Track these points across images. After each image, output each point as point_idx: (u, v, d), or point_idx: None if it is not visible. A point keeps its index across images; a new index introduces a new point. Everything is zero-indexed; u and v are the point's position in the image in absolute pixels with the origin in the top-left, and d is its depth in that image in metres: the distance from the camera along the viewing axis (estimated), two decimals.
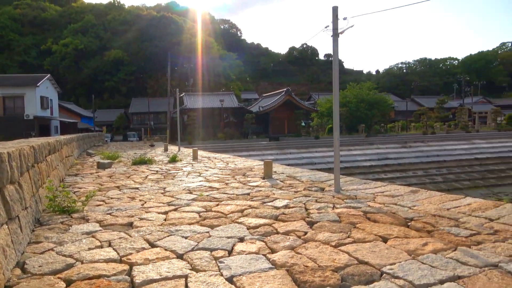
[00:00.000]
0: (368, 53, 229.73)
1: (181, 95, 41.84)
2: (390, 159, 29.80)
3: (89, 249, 3.65)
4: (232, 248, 3.61)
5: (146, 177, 9.50)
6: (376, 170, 27.41)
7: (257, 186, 7.53)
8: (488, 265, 3.03)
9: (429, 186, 23.28)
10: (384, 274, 2.93)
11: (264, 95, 53.52)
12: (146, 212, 5.27)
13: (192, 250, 3.59)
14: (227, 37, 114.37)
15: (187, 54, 62.48)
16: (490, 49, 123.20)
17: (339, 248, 3.57)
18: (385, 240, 3.80)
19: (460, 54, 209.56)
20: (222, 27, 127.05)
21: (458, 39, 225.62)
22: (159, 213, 5.23)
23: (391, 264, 3.10)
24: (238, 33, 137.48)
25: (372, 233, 4.00)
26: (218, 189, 7.25)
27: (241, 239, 3.90)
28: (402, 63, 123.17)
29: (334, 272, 2.98)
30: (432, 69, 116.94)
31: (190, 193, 6.86)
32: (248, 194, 6.60)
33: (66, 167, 10.73)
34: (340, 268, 3.05)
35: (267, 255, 3.42)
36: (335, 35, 6.35)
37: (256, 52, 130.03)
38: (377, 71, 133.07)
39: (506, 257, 3.18)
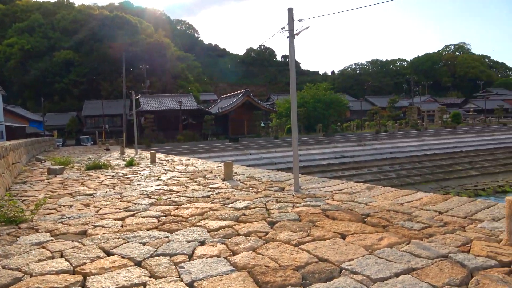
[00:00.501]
0: (324, 54, 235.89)
1: (137, 97, 40.65)
2: (347, 157, 30.74)
3: (39, 260, 3.43)
4: (193, 252, 3.55)
5: (101, 182, 9.13)
6: (334, 168, 28.16)
7: (217, 188, 7.47)
8: (439, 256, 3.19)
9: (383, 182, 24.27)
10: (343, 270, 2.99)
11: (223, 96, 53.29)
12: (101, 219, 5.05)
13: (151, 256, 3.48)
14: (184, 38, 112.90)
15: (143, 55, 60.81)
16: (436, 51, 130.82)
17: (300, 246, 3.61)
18: (343, 236, 3.89)
19: (409, 56, 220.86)
20: (178, 27, 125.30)
21: (407, 41, 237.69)
22: (115, 219, 5.03)
23: (349, 260, 3.18)
24: (195, 34, 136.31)
25: (331, 231, 4.09)
26: (177, 192, 7.11)
27: (202, 243, 3.84)
28: (355, 64, 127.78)
29: (295, 271, 3.00)
30: (384, 69, 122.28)
31: (148, 197, 6.68)
32: (209, 196, 6.53)
33: (13, 174, 10.07)
34: (301, 267, 3.09)
35: (228, 257, 3.39)
36: (291, 36, 6.44)
37: (214, 53, 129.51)
38: (333, 72, 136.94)
39: (455, 248, 3.37)
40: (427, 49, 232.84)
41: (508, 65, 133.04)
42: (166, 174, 10.44)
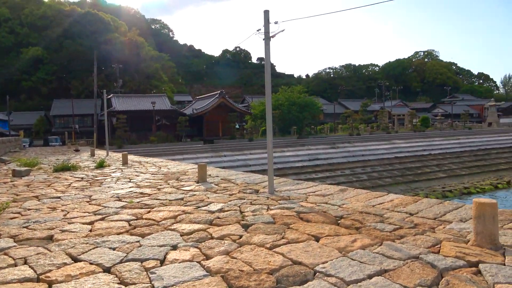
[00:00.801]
0: (299, 58, 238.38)
1: (109, 96, 39.66)
2: (320, 160, 31.13)
3: (0, 268, 3.24)
4: (165, 257, 3.46)
5: (70, 184, 8.82)
6: (308, 171, 28.45)
7: (191, 190, 7.36)
8: (410, 257, 3.24)
9: (355, 184, 24.73)
10: (318, 273, 2.99)
11: (197, 97, 52.86)
12: (69, 223, 4.86)
13: (121, 262, 3.36)
14: (158, 37, 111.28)
15: (115, 54, 59.43)
16: (406, 57, 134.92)
17: (274, 249, 3.59)
18: (317, 239, 3.90)
19: (381, 61, 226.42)
20: (153, 27, 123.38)
21: (379, 46, 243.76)
22: (83, 223, 4.85)
23: (323, 263, 3.18)
24: (170, 33, 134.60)
25: (305, 233, 4.09)
26: (149, 195, 6.96)
27: (174, 247, 3.76)
28: (329, 68, 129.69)
29: (269, 275, 2.98)
30: (356, 74, 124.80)
31: (119, 200, 6.49)
32: (182, 199, 6.42)
33: None
34: (275, 270, 3.06)
35: (202, 262, 3.32)
36: (267, 38, 6.45)
37: (189, 54, 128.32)
38: (307, 75, 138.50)
39: (425, 249, 3.44)
40: (398, 55, 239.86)
41: (473, 72, 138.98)
42: (138, 176, 10.21)
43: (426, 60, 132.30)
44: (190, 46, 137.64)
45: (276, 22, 6.33)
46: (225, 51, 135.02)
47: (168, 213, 5.26)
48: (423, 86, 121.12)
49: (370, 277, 2.88)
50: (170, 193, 7.09)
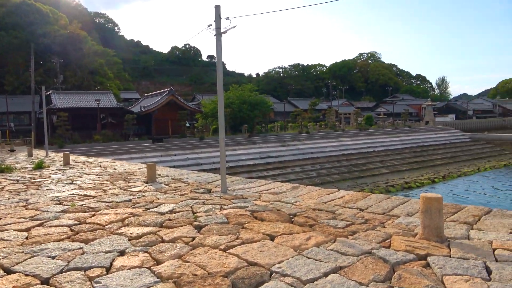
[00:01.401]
0: (249, 56, 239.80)
1: (48, 93, 37.11)
2: (272, 157, 31.45)
3: None
4: (111, 264, 3.22)
5: (3, 188, 8.08)
6: (259, 168, 28.61)
7: (139, 191, 7.03)
8: (363, 253, 3.29)
9: (305, 181, 25.29)
10: (274, 274, 2.93)
11: (146, 95, 51.15)
12: (2, 231, 4.41)
13: (61, 272, 3.08)
14: (102, 32, 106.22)
15: (55, 48, 55.75)
16: (351, 58, 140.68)
17: (229, 251, 3.48)
18: (272, 238, 3.85)
19: (328, 61, 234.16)
20: (97, 21, 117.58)
21: (326, 47, 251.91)
22: (19, 230, 4.42)
23: (279, 262, 3.13)
24: (116, 28, 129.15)
25: (260, 232, 4.03)
26: (94, 197, 6.54)
27: (122, 253, 3.52)
28: (279, 67, 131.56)
29: (224, 278, 2.87)
30: (305, 74, 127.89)
31: (60, 204, 6.03)
32: (130, 200, 6.10)
33: None
34: (230, 273, 2.96)
35: (152, 267, 3.13)
36: (218, 34, 6.31)
37: (136, 50, 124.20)
38: (257, 74, 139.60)
39: (377, 244, 3.51)
40: (344, 56, 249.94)
41: (412, 74, 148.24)
42: (81, 177, 9.60)
43: (369, 61, 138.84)
44: (137, 42, 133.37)
45: (227, 18, 6.21)
46: (174, 48, 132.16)
47: (115, 216, 4.96)
48: (367, 86, 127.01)
49: (326, 275, 2.87)
50: (116, 194, 6.72)
